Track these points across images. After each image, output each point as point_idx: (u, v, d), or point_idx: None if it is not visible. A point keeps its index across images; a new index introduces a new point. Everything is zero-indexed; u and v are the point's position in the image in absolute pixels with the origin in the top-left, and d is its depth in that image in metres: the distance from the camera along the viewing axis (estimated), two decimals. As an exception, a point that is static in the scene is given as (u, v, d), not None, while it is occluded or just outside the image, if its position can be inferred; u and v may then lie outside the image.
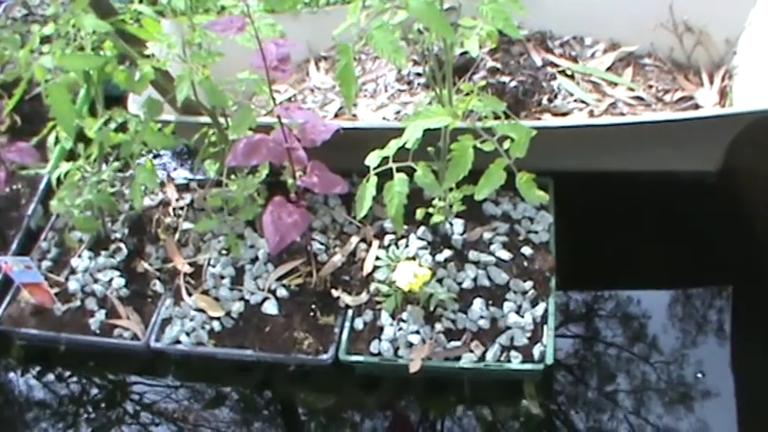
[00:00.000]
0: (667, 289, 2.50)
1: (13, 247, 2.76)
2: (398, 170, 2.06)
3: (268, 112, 2.21)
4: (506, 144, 1.95)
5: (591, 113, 2.52)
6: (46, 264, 2.67)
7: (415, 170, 2.08)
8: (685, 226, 2.56)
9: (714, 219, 2.57)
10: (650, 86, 2.61)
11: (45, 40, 2.30)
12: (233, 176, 2.42)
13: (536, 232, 2.43)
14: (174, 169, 3.03)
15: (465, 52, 2.59)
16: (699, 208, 2.59)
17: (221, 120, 2.42)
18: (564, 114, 2.54)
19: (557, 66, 2.66)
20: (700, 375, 2.25)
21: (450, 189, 2.21)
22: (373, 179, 2.08)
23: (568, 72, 2.65)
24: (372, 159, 2.08)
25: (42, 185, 2.92)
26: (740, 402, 2.19)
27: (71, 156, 2.60)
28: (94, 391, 2.52)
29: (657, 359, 2.31)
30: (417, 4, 1.72)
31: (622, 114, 2.52)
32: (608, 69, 2.66)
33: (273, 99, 2.11)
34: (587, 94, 2.57)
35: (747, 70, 2.51)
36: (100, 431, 2.41)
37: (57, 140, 2.44)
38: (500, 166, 1.95)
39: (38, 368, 2.60)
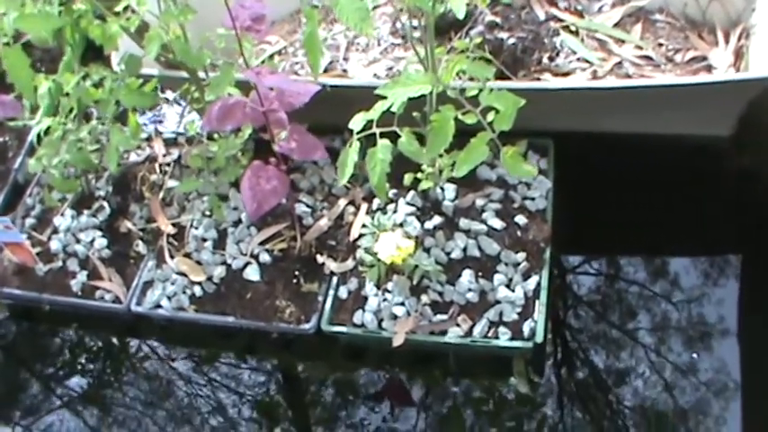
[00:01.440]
0: (673, 259, 2.37)
1: (-1, 201, 2.70)
2: (383, 135, 1.95)
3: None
4: (491, 115, 1.82)
5: (594, 74, 2.37)
6: (29, 221, 2.60)
7: (399, 136, 1.96)
8: (694, 192, 2.43)
9: (725, 186, 2.43)
10: (660, 45, 2.44)
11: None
12: (216, 135, 2.32)
13: (532, 199, 2.30)
14: (160, 122, 2.91)
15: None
16: (709, 174, 2.44)
17: (206, 74, 2.30)
18: (565, 74, 2.39)
19: (561, 20, 2.50)
20: (695, 356, 2.15)
21: (440, 155, 2.09)
22: (356, 144, 1.96)
23: (573, 28, 2.48)
24: (356, 123, 1.97)
25: (30, 138, 2.81)
26: (747, 388, 2.10)
27: (56, 111, 2.51)
28: (76, 351, 2.49)
29: (661, 336, 2.21)
30: (387, -32, 1.58)
31: (628, 75, 2.36)
32: (615, 25, 2.50)
33: (247, 62, 1.99)
34: (592, 53, 2.41)
35: (766, 29, 2.34)
36: (82, 393, 2.38)
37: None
38: (483, 139, 1.82)
39: (22, 327, 2.57)
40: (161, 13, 2.04)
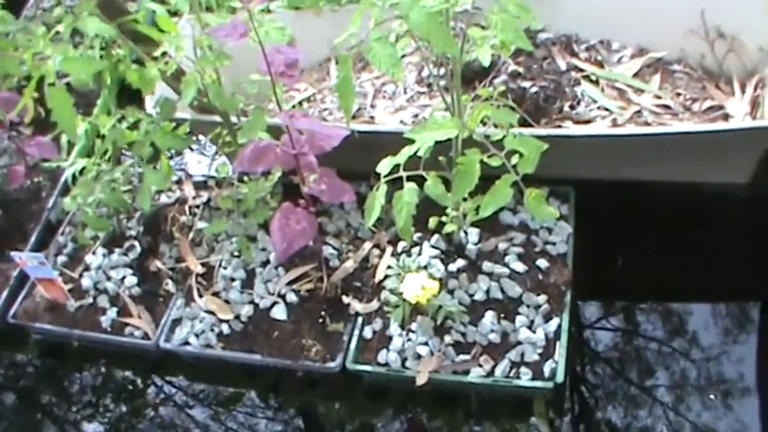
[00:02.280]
0: (692, 305, 2.41)
1: (32, 240, 2.77)
2: (409, 179, 2.01)
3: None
4: (515, 159, 1.88)
5: (614, 122, 2.44)
6: (62, 259, 2.68)
7: (426, 179, 2.03)
8: (712, 239, 2.48)
9: (742, 232, 2.48)
10: (678, 94, 2.52)
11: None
12: (246, 178, 2.39)
13: (554, 243, 2.37)
14: (199, 162, 2.99)
15: (487, 55, 2.54)
16: (727, 221, 2.49)
17: (237, 119, 2.38)
18: (586, 122, 2.46)
19: (581, 70, 2.58)
20: (712, 397, 2.19)
21: (464, 199, 2.15)
22: (383, 188, 2.02)
23: (593, 77, 2.56)
24: (383, 167, 2.03)
25: (63, 179, 2.91)
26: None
27: (91, 152, 2.59)
28: (105, 387, 2.53)
29: (680, 379, 2.24)
30: (418, 17, 1.65)
31: (647, 123, 2.44)
32: (635, 75, 2.58)
33: (279, 104, 2.07)
34: (611, 102, 2.49)
35: (782, 80, 2.42)
36: (108, 427, 2.42)
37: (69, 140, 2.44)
38: (507, 182, 1.89)
39: (52, 362, 2.62)
40: (198, 59, 2.12)
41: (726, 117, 2.44)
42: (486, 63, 1.93)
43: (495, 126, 1.98)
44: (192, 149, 3.01)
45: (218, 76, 2.20)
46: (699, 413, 2.16)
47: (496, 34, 1.84)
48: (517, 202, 2.44)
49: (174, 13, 2.35)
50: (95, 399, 2.50)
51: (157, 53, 2.23)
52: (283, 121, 2.03)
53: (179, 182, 2.76)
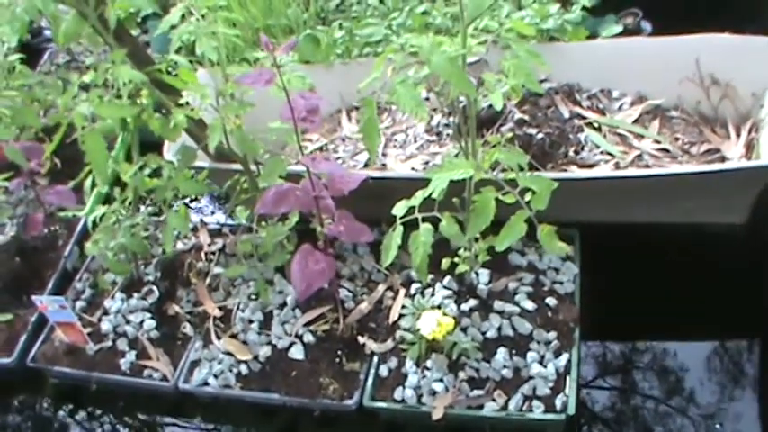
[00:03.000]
0: (694, 342, 2.50)
1: (50, 287, 2.83)
2: (424, 220, 2.10)
3: (298, 161, 2.25)
4: (528, 196, 1.98)
5: (617, 165, 2.55)
6: (80, 304, 2.74)
7: (440, 220, 2.12)
8: (712, 278, 2.57)
9: (741, 271, 2.57)
10: (677, 139, 2.63)
11: (85, 87, 2.38)
12: (263, 223, 2.48)
13: (561, 283, 2.46)
14: (212, 213, 3.08)
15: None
16: (726, 260, 2.59)
17: (253, 167, 2.47)
18: (590, 166, 2.56)
19: (584, 118, 2.70)
20: (718, 426, 2.26)
21: (476, 239, 2.24)
22: (399, 228, 2.11)
23: (595, 124, 2.68)
24: (399, 209, 2.12)
25: (79, 228, 2.99)
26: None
27: (107, 199, 2.67)
28: (124, 429, 2.57)
29: (684, 412, 2.31)
30: (439, 61, 1.76)
31: (648, 167, 2.54)
32: (635, 122, 2.69)
33: (301, 149, 2.16)
34: (614, 147, 2.60)
35: (775, 123, 2.53)
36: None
37: (93, 184, 2.51)
38: (521, 217, 1.98)
39: (70, 406, 2.66)
40: (222, 106, 2.22)
41: (722, 159, 2.56)
42: (499, 107, 2.04)
43: (504, 171, 2.08)
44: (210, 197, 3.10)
45: (241, 122, 2.29)
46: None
47: (508, 81, 1.97)
48: (524, 245, 2.54)
49: (197, 63, 2.45)
50: (115, 440, 2.56)
51: (181, 102, 2.33)
52: (305, 164, 2.12)
53: (194, 230, 2.84)
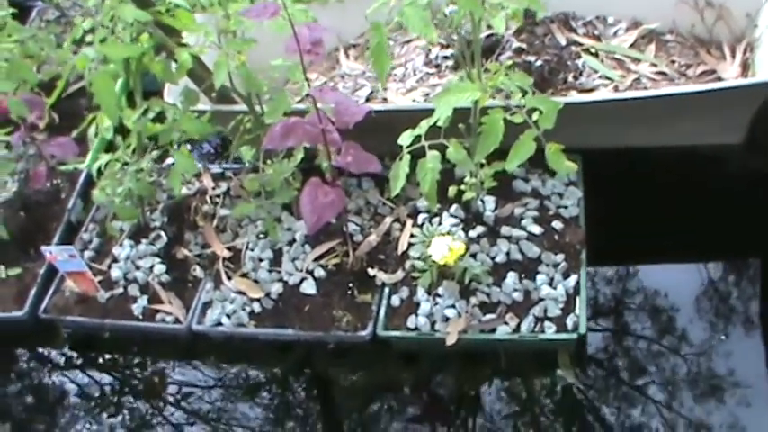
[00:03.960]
0: (694, 262, 2.53)
1: (55, 239, 2.84)
2: (430, 148, 2.13)
3: (303, 97, 2.27)
4: (535, 117, 2.01)
5: (615, 89, 2.58)
6: (88, 254, 2.75)
7: (446, 147, 2.14)
8: (711, 199, 2.61)
9: (740, 191, 2.61)
10: (673, 62, 2.66)
11: (85, 34, 2.37)
12: (269, 162, 2.49)
13: (565, 207, 2.49)
14: (210, 161, 3.09)
15: (491, 35, 2.67)
16: (724, 181, 2.63)
17: (260, 107, 2.49)
18: (589, 91, 2.59)
19: (580, 45, 2.72)
20: (723, 338, 2.31)
21: (482, 165, 2.27)
22: (407, 157, 2.14)
23: (592, 50, 2.70)
24: (405, 138, 2.14)
25: (81, 180, 3.00)
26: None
27: (110, 148, 2.68)
28: (139, 375, 2.61)
29: (688, 329, 2.36)
30: (445, -20, 1.78)
31: (646, 89, 2.57)
32: (631, 47, 2.71)
33: (308, 81, 2.17)
34: (611, 71, 2.62)
35: (768, 43, 2.56)
36: (145, 415, 2.50)
37: (96, 132, 2.52)
38: (530, 136, 2.01)
39: (84, 355, 2.69)
40: (226, 43, 2.23)
41: (719, 80, 2.58)
42: (501, 30, 2.05)
43: (508, 97, 2.11)
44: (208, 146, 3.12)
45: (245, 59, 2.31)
46: (709, 353, 2.29)
47: (509, 5, 1.99)
48: (527, 171, 2.57)
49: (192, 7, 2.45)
50: (132, 384, 2.58)
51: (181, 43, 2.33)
52: (312, 95, 2.14)
53: (197, 175, 2.85)
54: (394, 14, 1.89)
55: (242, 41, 2.23)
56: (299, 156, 2.47)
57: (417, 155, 2.14)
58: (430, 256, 2.26)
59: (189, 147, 2.94)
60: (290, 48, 2.11)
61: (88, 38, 2.23)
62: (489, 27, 2.21)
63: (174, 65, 2.38)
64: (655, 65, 2.63)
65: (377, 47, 1.91)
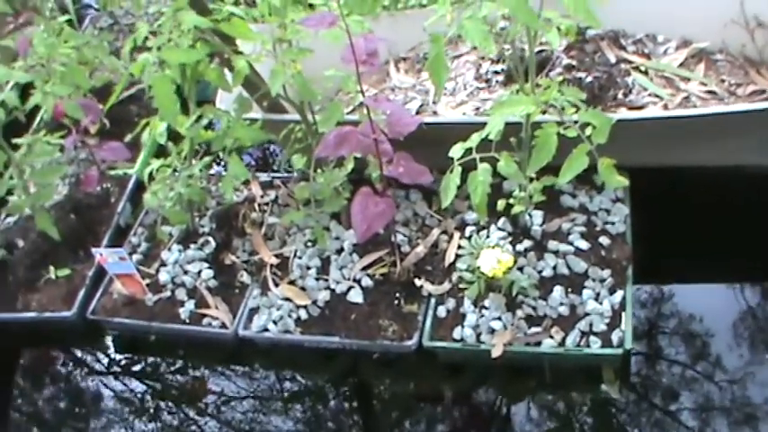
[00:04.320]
0: (740, 283, 2.53)
1: (104, 242, 2.88)
2: (481, 161, 2.15)
3: (356, 106, 2.30)
4: (587, 132, 2.02)
5: (665, 107, 2.58)
6: (136, 257, 2.79)
7: (497, 161, 2.16)
8: (757, 219, 2.60)
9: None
10: (722, 81, 2.66)
11: (143, 42, 2.42)
12: (319, 171, 2.52)
13: (612, 223, 2.50)
14: (260, 169, 3.12)
15: (541, 50, 2.68)
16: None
17: (312, 117, 2.51)
18: (639, 108, 2.59)
19: (630, 62, 2.72)
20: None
21: (531, 180, 2.29)
22: (457, 170, 2.16)
23: (642, 68, 2.70)
24: (456, 151, 2.16)
25: (131, 185, 3.05)
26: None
27: (159, 154, 2.72)
28: (184, 379, 2.64)
29: (733, 347, 2.36)
30: (506, -3, 1.81)
31: (695, 108, 2.57)
32: (680, 65, 2.72)
33: (362, 90, 2.20)
34: (661, 89, 2.63)
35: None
36: (186, 419, 2.53)
37: (150, 137, 2.56)
38: (582, 151, 2.02)
39: (130, 357, 2.73)
40: (282, 52, 2.26)
41: (769, 100, 2.59)
42: (556, 45, 2.08)
43: (560, 111, 2.13)
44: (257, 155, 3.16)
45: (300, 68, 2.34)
46: (744, 380, 2.29)
47: (568, 14, 2.00)
48: (575, 187, 2.58)
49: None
50: (176, 388, 2.61)
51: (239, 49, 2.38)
52: (367, 104, 2.16)
53: (246, 182, 2.88)
54: (453, 27, 1.91)
55: (298, 50, 2.26)
56: (350, 165, 2.49)
57: (468, 168, 2.16)
58: (478, 267, 2.27)
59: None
60: (347, 57, 2.14)
61: (147, 43, 2.27)
62: (540, 43, 2.22)
63: (228, 72, 2.42)
64: (704, 84, 2.64)
65: (435, 58, 1.94)
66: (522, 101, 2.05)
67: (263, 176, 2.96)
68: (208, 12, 2.35)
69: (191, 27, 2.14)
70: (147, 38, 2.28)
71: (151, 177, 2.62)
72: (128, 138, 2.83)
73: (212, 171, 2.89)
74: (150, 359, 2.71)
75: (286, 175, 2.88)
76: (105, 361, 2.74)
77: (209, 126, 2.59)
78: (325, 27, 2.06)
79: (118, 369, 2.71)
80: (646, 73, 2.69)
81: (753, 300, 2.47)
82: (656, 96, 2.61)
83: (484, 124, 2.11)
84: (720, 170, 2.62)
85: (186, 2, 2.16)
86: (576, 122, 2.03)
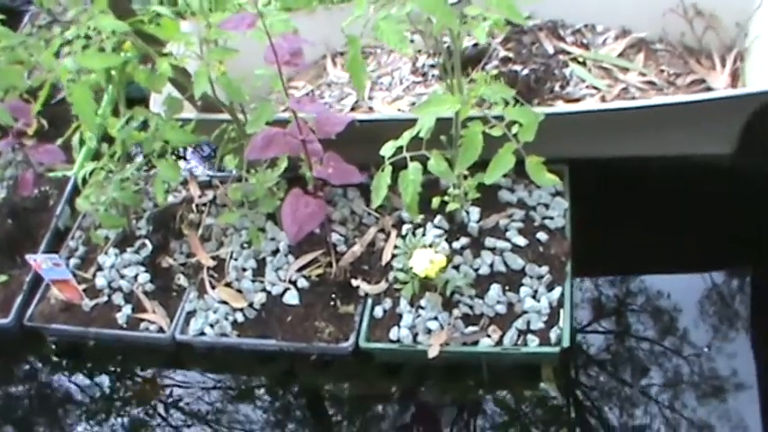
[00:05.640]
0: (683, 273, 2.52)
1: (42, 246, 2.84)
2: (412, 159, 2.11)
3: (285, 108, 2.25)
4: (515, 129, 1.98)
5: (603, 99, 2.55)
6: (74, 261, 2.75)
7: (428, 159, 2.12)
8: (701, 209, 2.58)
9: (730, 201, 2.58)
10: (662, 71, 2.62)
11: (67, 42, 2.37)
12: (252, 171, 2.48)
13: (551, 218, 2.46)
14: (195, 167, 3.07)
15: (477, 43, 2.64)
16: (714, 191, 2.60)
17: (239, 116, 2.47)
18: (576, 100, 2.56)
19: (569, 53, 2.69)
20: (706, 349, 2.29)
21: (465, 177, 2.25)
22: (388, 169, 2.12)
23: (580, 59, 2.66)
24: (387, 149, 2.13)
25: (69, 187, 2.99)
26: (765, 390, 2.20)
27: (96, 155, 2.67)
28: (124, 383, 2.59)
29: (675, 345, 2.33)
30: (421, -4, 1.76)
31: (634, 99, 2.54)
32: (619, 55, 2.68)
33: (286, 92, 2.16)
34: (599, 80, 2.59)
35: (758, 52, 2.52)
36: (129, 422, 2.49)
37: (81, 141, 2.51)
38: (509, 149, 1.99)
39: (69, 362, 2.68)
40: (207, 52, 2.21)
41: (708, 90, 2.55)
42: (483, 41, 2.04)
43: (490, 108, 2.09)
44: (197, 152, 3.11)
45: (225, 69, 2.29)
46: (695, 366, 2.27)
47: (487, 16, 1.96)
48: (513, 182, 2.55)
49: (180, 14, 2.44)
50: (116, 393, 2.57)
51: (166, 51, 2.32)
52: (291, 107, 2.12)
53: (184, 182, 2.84)
54: (370, 27, 1.87)
55: (223, 51, 2.21)
56: (283, 165, 2.45)
57: (400, 165, 2.13)
58: (411, 268, 2.24)
59: (190, 150, 2.95)
60: (268, 58, 2.10)
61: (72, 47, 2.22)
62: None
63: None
64: (643, 74, 2.60)
65: (353, 60, 1.89)
66: (448, 99, 2.01)
67: (202, 176, 2.91)
68: (131, 13, 2.30)
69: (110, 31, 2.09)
70: (67, 42, 2.23)
71: (85, 181, 2.58)
72: (59, 141, 2.77)
73: (152, 172, 2.83)
74: (89, 364, 2.66)
75: (224, 174, 2.83)
76: (43, 367, 2.69)
77: (145, 126, 2.54)
78: (244, 28, 2.01)
79: (56, 376, 2.66)
80: (584, 64, 2.65)
81: (699, 292, 2.44)
82: (594, 88, 2.57)
83: (416, 121, 2.07)
84: (665, 160, 2.59)
85: (104, 6, 2.10)
86: (502, 119, 1.99)
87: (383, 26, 1.83)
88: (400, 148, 2.12)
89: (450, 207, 2.35)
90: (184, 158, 3.09)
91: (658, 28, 2.72)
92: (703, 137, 2.47)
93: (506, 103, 2.02)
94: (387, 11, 1.85)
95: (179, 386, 2.55)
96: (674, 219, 2.56)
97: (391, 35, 1.81)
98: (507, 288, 2.32)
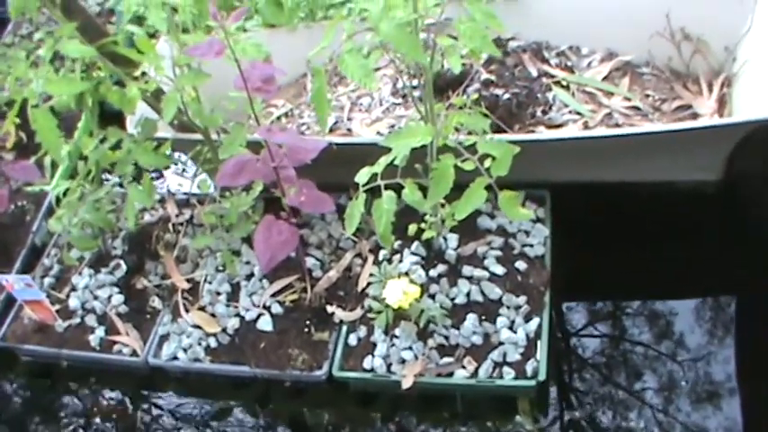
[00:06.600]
0: (667, 300, 2.46)
1: (18, 263, 2.81)
2: (387, 187, 2.06)
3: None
4: (488, 162, 1.94)
5: (585, 125, 2.50)
6: (48, 281, 2.71)
7: (403, 187, 2.08)
8: (686, 236, 2.53)
9: (716, 228, 2.54)
10: (647, 96, 2.58)
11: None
12: (228, 193, 2.44)
13: (531, 246, 2.42)
14: (174, 184, 3.03)
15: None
16: (700, 218, 2.55)
17: (218, 136, 2.43)
18: (558, 126, 2.51)
19: (552, 77, 2.64)
20: (684, 383, 2.24)
21: (442, 205, 2.21)
22: (362, 197, 2.08)
23: (564, 83, 2.62)
24: (361, 176, 2.08)
25: (47, 202, 2.95)
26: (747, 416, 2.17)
27: (73, 173, 2.63)
28: (96, 405, 2.55)
29: (658, 373, 2.29)
30: (387, 28, 1.71)
31: (618, 125, 2.49)
32: (604, 79, 2.63)
33: (257, 120, 2.11)
34: (582, 105, 2.54)
35: (747, 77, 2.47)
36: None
37: (53, 161, 2.47)
38: (481, 185, 1.94)
39: (41, 384, 2.64)
40: (177, 77, 2.16)
41: (694, 116, 2.51)
42: (457, 71, 1.99)
43: (470, 134, 2.04)
44: (174, 165, 3.06)
45: (197, 94, 2.24)
46: (675, 398, 2.23)
47: (465, 42, 1.91)
48: (494, 207, 2.50)
49: (152, 36, 2.39)
50: (87, 417, 2.53)
51: (137, 74, 2.27)
52: (262, 136, 2.07)
53: (162, 201, 2.80)
54: (336, 60, 1.82)
55: (195, 76, 2.16)
56: (258, 189, 2.41)
57: (376, 191, 2.08)
58: (385, 298, 2.20)
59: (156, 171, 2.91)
60: (238, 85, 2.05)
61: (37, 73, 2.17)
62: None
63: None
64: (628, 99, 2.55)
65: (317, 92, 1.85)
66: (421, 131, 1.96)
67: (180, 194, 2.86)
68: (103, 34, 2.25)
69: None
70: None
71: (59, 200, 2.54)
72: (32, 159, 2.73)
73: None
74: (62, 386, 2.62)
75: (203, 193, 2.78)
76: (17, 388, 2.66)
77: (118, 146, 2.49)
78: (212, 56, 1.96)
79: (30, 396, 2.63)
80: (567, 87, 2.60)
81: (684, 320, 2.39)
82: (577, 113, 2.52)
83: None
84: (649, 187, 2.55)
85: (70, 32, 2.05)
86: (475, 152, 1.94)
87: (347, 60, 1.78)
88: (375, 175, 2.07)
89: (427, 235, 2.31)
90: (162, 176, 3.04)
91: (645, 51, 2.67)
92: (688, 164, 2.43)
93: (484, 132, 1.98)
94: (353, 42, 1.80)
95: (152, 409, 2.50)
96: (659, 246, 2.51)
97: (356, 69, 1.77)
98: (484, 318, 2.28)
